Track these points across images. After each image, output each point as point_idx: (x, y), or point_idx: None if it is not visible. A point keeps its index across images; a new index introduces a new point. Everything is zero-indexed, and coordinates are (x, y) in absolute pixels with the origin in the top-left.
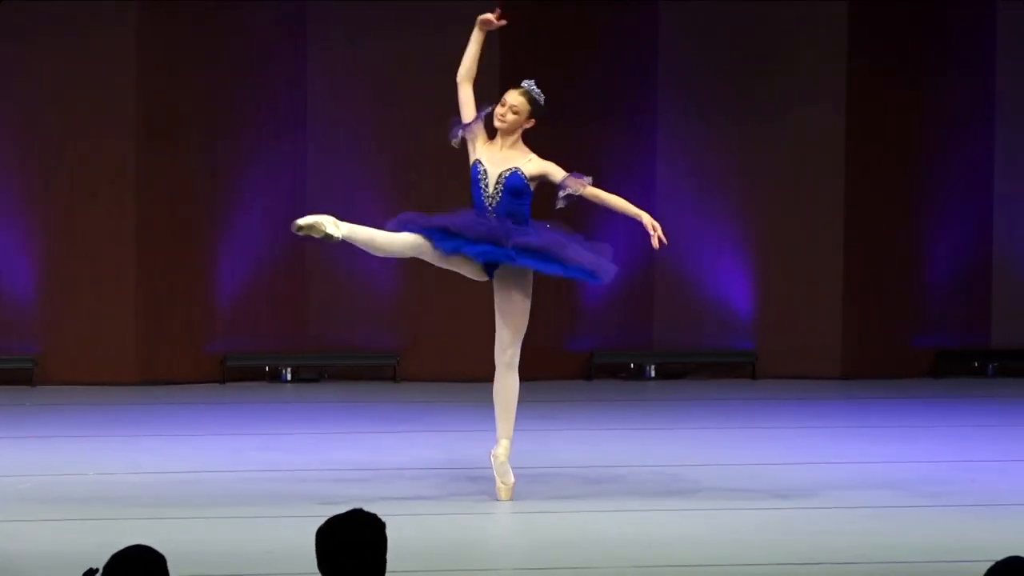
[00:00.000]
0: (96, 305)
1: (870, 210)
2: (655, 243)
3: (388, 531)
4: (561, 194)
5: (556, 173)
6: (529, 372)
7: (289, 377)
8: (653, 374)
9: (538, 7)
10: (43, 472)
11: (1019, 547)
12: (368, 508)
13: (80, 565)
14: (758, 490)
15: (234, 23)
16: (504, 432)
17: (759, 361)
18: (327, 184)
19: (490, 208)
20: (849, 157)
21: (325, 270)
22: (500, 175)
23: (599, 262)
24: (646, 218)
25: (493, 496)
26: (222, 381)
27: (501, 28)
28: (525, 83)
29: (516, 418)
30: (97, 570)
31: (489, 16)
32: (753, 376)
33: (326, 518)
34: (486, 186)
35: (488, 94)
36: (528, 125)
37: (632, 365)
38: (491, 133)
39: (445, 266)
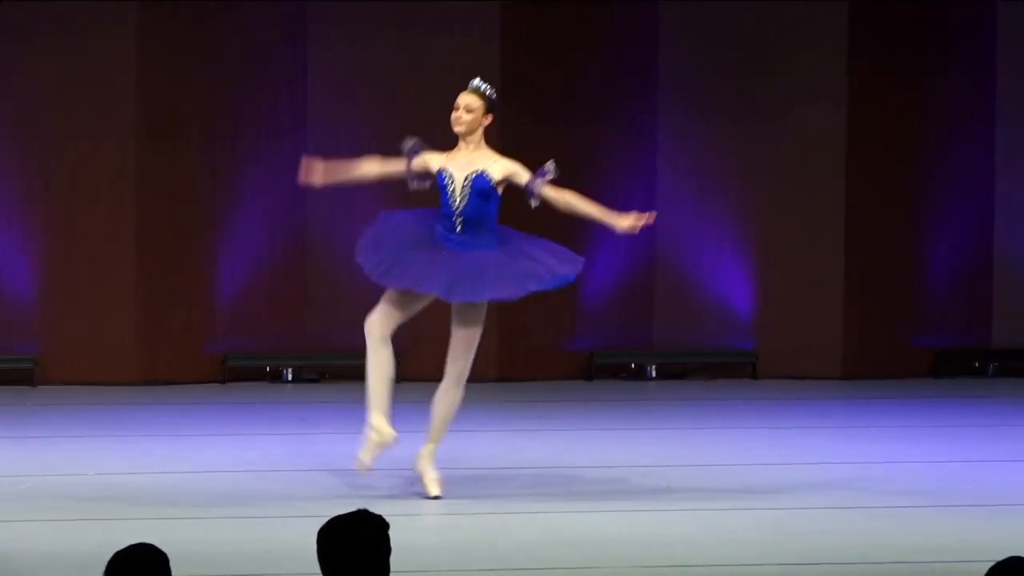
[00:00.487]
0: (97, 305)
1: (870, 210)
2: (640, 225)
3: (390, 531)
4: (531, 198)
5: (522, 175)
6: (529, 372)
7: (290, 377)
8: (654, 374)
9: (538, 7)
10: (43, 472)
11: (1020, 547)
12: (370, 508)
13: (80, 565)
14: (758, 490)
15: (234, 23)
16: (435, 438)
17: (760, 361)
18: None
19: (457, 212)
20: (849, 157)
21: (326, 270)
22: (466, 178)
23: (557, 265)
24: (621, 224)
25: (494, 496)
26: (223, 381)
27: (502, 27)
28: (472, 82)
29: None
30: None
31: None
32: (754, 376)
33: (327, 518)
34: (453, 191)
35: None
36: (487, 122)
37: (633, 365)
38: (451, 144)
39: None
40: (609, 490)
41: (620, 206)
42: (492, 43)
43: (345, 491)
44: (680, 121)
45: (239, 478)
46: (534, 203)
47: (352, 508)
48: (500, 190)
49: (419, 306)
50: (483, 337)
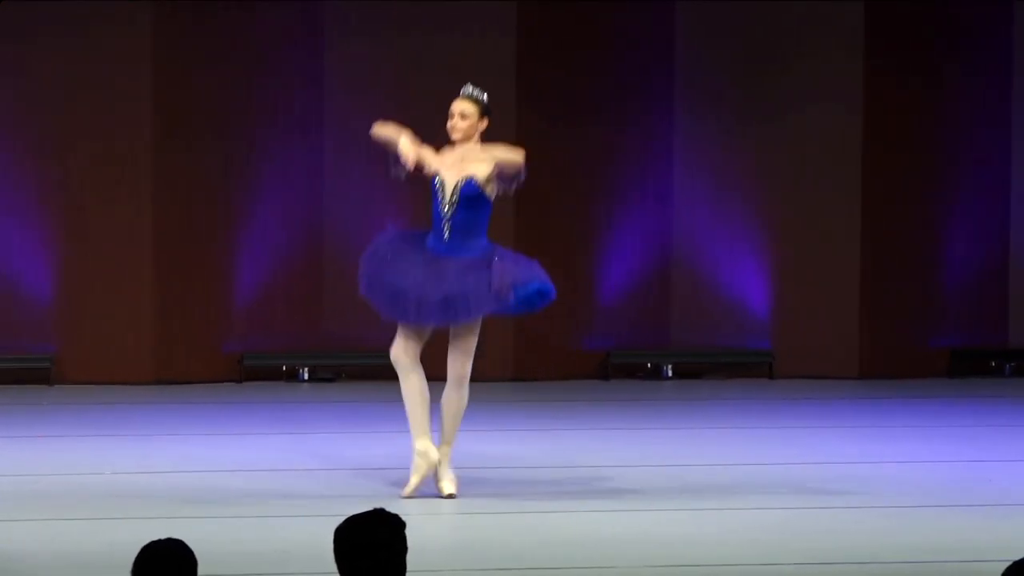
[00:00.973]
0: (113, 305)
1: (886, 210)
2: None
3: (406, 530)
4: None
5: (501, 156)
6: (546, 372)
7: (306, 377)
8: (670, 374)
9: (554, 7)
10: (60, 471)
11: None
12: (386, 507)
13: (96, 564)
14: (774, 490)
15: (250, 22)
16: (447, 439)
17: (776, 361)
18: (343, 183)
19: (447, 217)
20: (865, 157)
21: (342, 270)
22: (456, 184)
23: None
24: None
25: (509, 495)
26: (239, 381)
27: (518, 27)
28: (464, 89)
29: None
30: None
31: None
32: (770, 376)
33: (344, 517)
34: (443, 198)
35: (505, 95)
36: (483, 126)
37: (649, 365)
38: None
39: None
40: (625, 490)
41: (636, 206)
42: (508, 43)
43: (362, 491)
44: (696, 121)
45: (255, 478)
46: (503, 186)
47: (369, 507)
48: (490, 192)
49: (430, 328)
50: (499, 336)
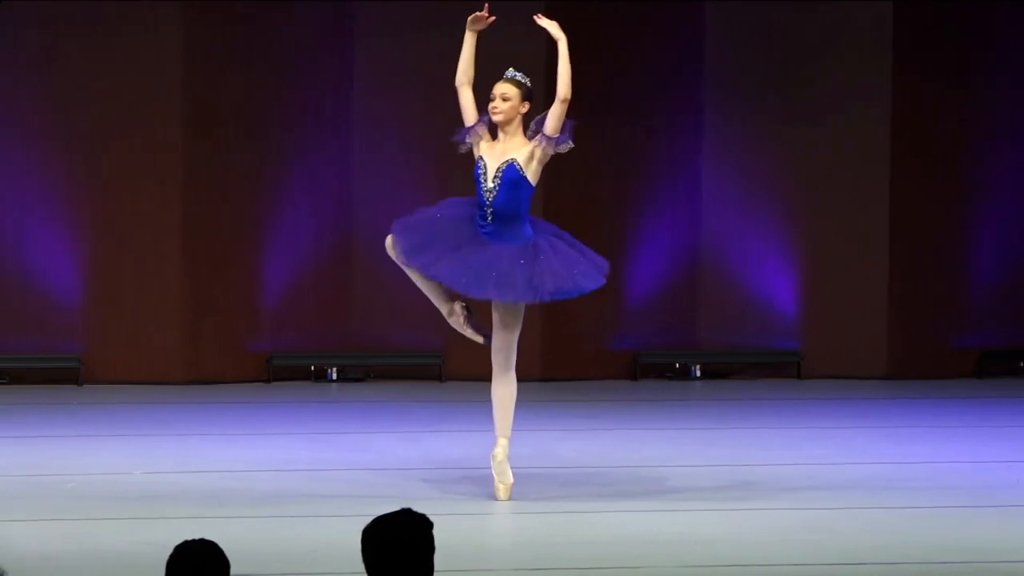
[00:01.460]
0: (142, 304)
1: (915, 210)
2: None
3: (435, 530)
4: (557, 148)
5: (536, 146)
6: (575, 372)
7: (335, 376)
8: (698, 374)
9: (582, 6)
10: (90, 471)
11: None
12: (413, 507)
13: (126, 564)
14: (803, 490)
15: (280, 22)
16: (502, 431)
17: (804, 361)
18: (373, 183)
19: (489, 203)
20: (894, 158)
21: (371, 269)
22: (498, 168)
23: (574, 276)
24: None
25: (538, 495)
26: (267, 381)
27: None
28: (507, 72)
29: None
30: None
31: (479, 14)
32: (798, 376)
33: (372, 517)
34: (485, 180)
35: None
36: (524, 109)
37: (677, 365)
38: (495, 133)
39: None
40: (655, 490)
41: (664, 207)
42: (537, 42)
43: (389, 490)
44: (724, 122)
45: (284, 477)
46: (563, 148)
47: (396, 507)
48: (533, 174)
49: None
50: (527, 336)
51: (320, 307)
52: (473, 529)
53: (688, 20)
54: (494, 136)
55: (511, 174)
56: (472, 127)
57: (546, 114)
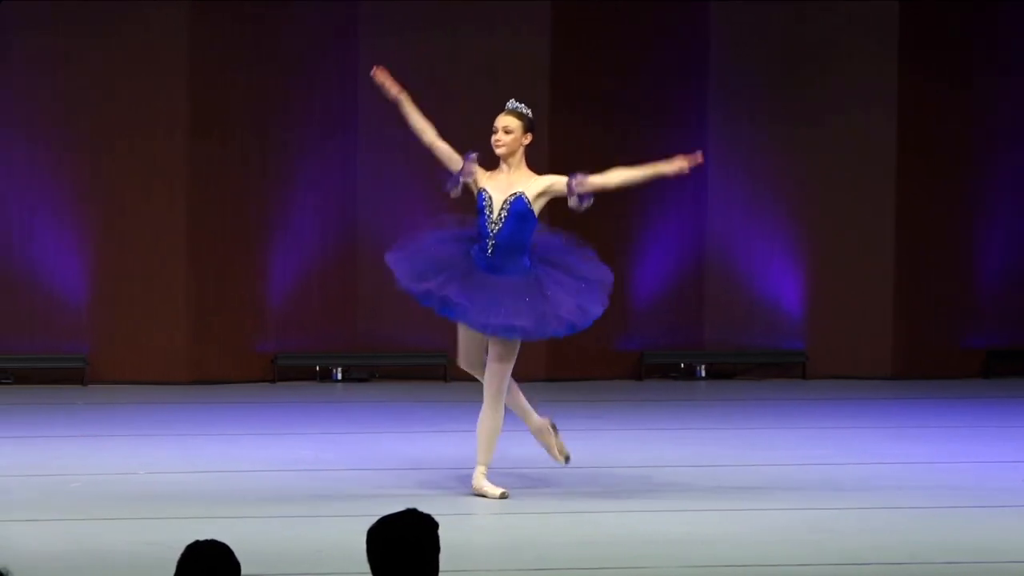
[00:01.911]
0: (147, 304)
1: (921, 211)
2: (690, 165)
3: (440, 530)
4: (572, 199)
5: (558, 181)
6: (580, 372)
7: (340, 377)
8: (703, 374)
9: (588, 6)
10: (94, 471)
11: None
12: (419, 507)
13: (130, 564)
14: (807, 490)
15: (285, 22)
16: (481, 459)
17: (809, 361)
18: (377, 182)
19: (492, 234)
20: (900, 158)
21: (376, 269)
22: (505, 201)
23: (582, 306)
24: (668, 169)
25: (543, 495)
26: (273, 381)
27: (553, 26)
28: (509, 103)
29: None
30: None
31: (380, 79)
32: (803, 376)
33: (377, 517)
34: (490, 212)
35: (539, 94)
36: (527, 141)
37: (682, 365)
38: (492, 164)
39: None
40: (659, 490)
41: (669, 207)
42: (542, 42)
43: (395, 490)
44: (730, 122)
45: (289, 478)
46: (576, 203)
47: (402, 507)
48: (539, 208)
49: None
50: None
51: (325, 307)
52: (477, 529)
53: (693, 20)
54: (493, 165)
55: (519, 206)
56: (461, 169)
57: (588, 174)
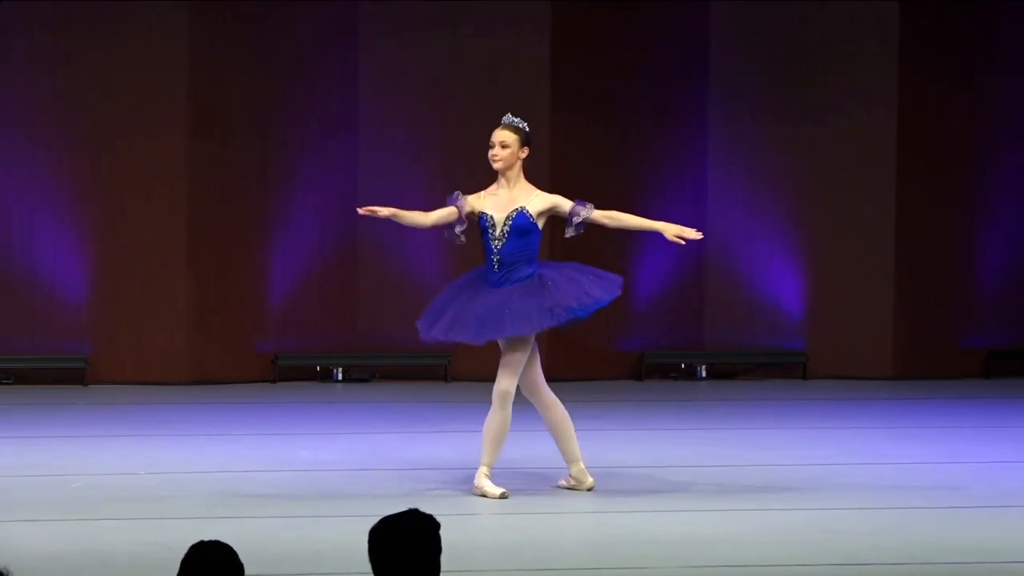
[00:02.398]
0: (148, 305)
1: (921, 211)
2: (688, 238)
3: (441, 531)
4: (570, 226)
5: (563, 204)
6: (580, 372)
7: (340, 377)
8: (704, 374)
9: (588, 7)
10: (95, 471)
11: None
12: (420, 507)
13: (130, 564)
14: (807, 490)
15: (286, 22)
16: (485, 459)
17: (810, 361)
18: (378, 183)
19: (496, 251)
20: (900, 158)
21: (376, 270)
22: (507, 217)
23: (587, 293)
24: (668, 231)
25: (545, 495)
26: (273, 381)
27: (554, 26)
28: (505, 118)
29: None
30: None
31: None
32: (804, 376)
33: (379, 518)
34: (493, 231)
35: (540, 94)
36: (523, 155)
37: (683, 365)
38: (488, 181)
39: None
40: (659, 490)
41: (670, 207)
42: (543, 42)
43: (396, 491)
44: (731, 122)
45: (289, 478)
46: (572, 232)
47: (403, 508)
48: (541, 224)
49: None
50: (541, 338)
51: (325, 307)
52: (479, 529)
53: (694, 21)
54: (489, 181)
55: (521, 221)
56: (458, 218)
57: (591, 208)
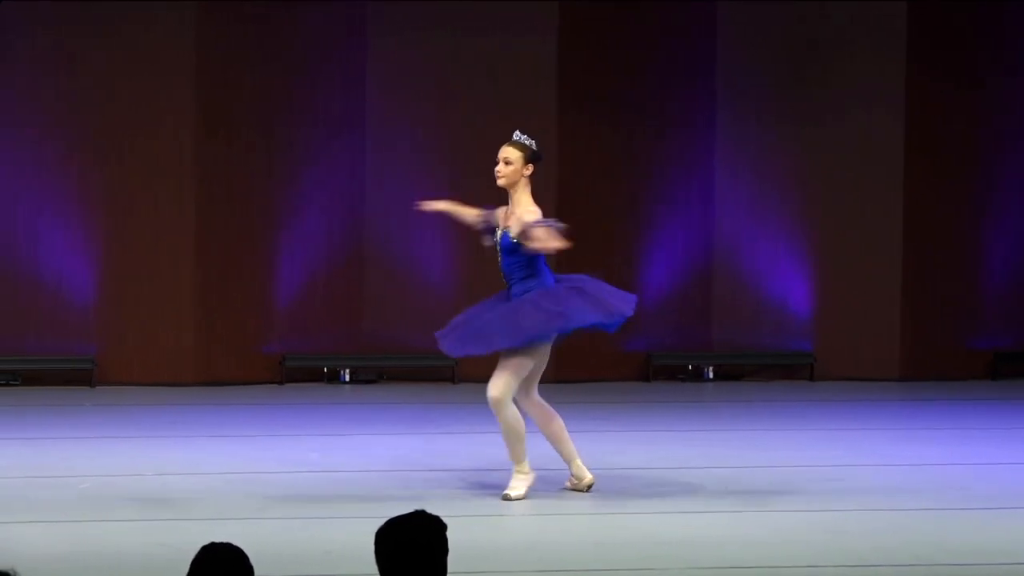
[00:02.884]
0: (155, 306)
1: (928, 212)
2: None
3: (448, 532)
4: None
5: (513, 227)
6: (588, 373)
7: (347, 378)
8: (711, 375)
9: (595, 7)
10: (102, 472)
11: None
12: (427, 509)
13: (139, 566)
14: (814, 492)
15: (293, 22)
16: (512, 460)
17: (817, 363)
18: (384, 183)
19: (501, 268)
20: (907, 159)
21: (384, 271)
22: (499, 237)
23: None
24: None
25: (552, 496)
26: (280, 382)
27: (560, 26)
28: (514, 135)
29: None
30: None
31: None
32: (811, 378)
33: (385, 519)
34: (497, 249)
35: (547, 95)
36: (528, 172)
37: (690, 366)
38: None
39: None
40: (666, 491)
41: (677, 207)
42: (549, 43)
43: (403, 492)
44: (737, 122)
45: (296, 479)
46: (489, 242)
47: (410, 509)
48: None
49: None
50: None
51: (333, 308)
52: (485, 531)
53: (700, 21)
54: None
55: (505, 242)
56: (483, 228)
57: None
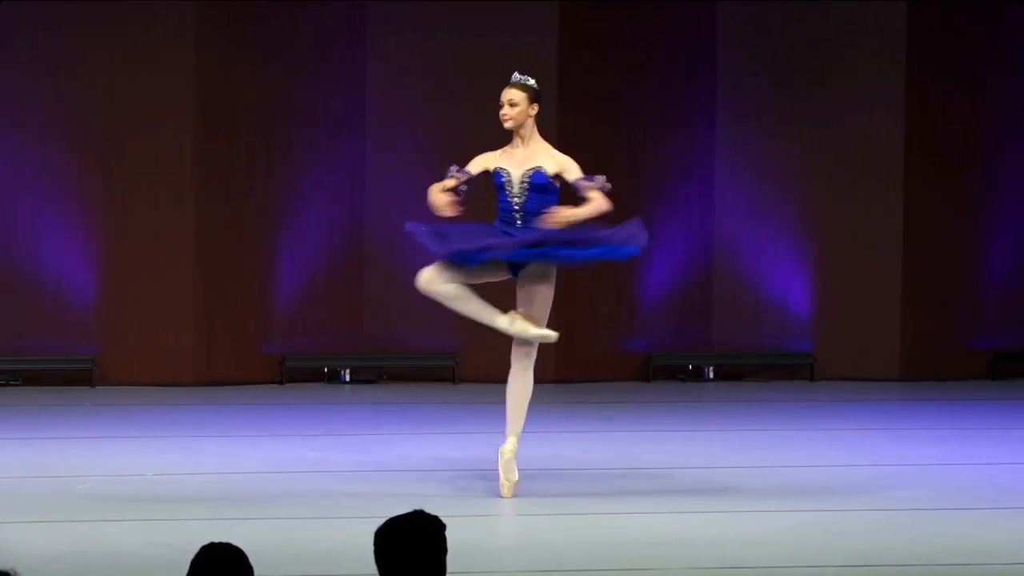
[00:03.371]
0: (155, 306)
1: (927, 211)
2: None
3: (447, 532)
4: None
5: (572, 171)
6: (588, 373)
7: (348, 378)
8: (711, 375)
9: (596, 7)
10: (102, 472)
11: None
12: (426, 509)
13: (140, 565)
14: (816, 492)
15: (293, 22)
16: (513, 430)
17: (817, 363)
18: (384, 184)
19: (517, 209)
20: (907, 159)
21: (384, 270)
22: (524, 174)
23: (627, 233)
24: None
25: (552, 497)
26: (280, 382)
27: (560, 26)
28: (512, 77)
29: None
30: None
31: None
32: (811, 378)
33: (385, 519)
34: (511, 187)
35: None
36: (533, 112)
37: (690, 366)
38: (502, 142)
39: (471, 280)
40: (666, 491)
41: (677, 207)
42: (550, 42)
43: (402, 492)
44: (738, 122)
45: (296, 479)
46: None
47: (409, 509)
48: (558, 183)
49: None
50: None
51: (333, 308)
52: (485, 531)
53: (700, 20)
54: (503, 142)
55: (539, 179)
56: (457, 187)
57: (595, 187)
